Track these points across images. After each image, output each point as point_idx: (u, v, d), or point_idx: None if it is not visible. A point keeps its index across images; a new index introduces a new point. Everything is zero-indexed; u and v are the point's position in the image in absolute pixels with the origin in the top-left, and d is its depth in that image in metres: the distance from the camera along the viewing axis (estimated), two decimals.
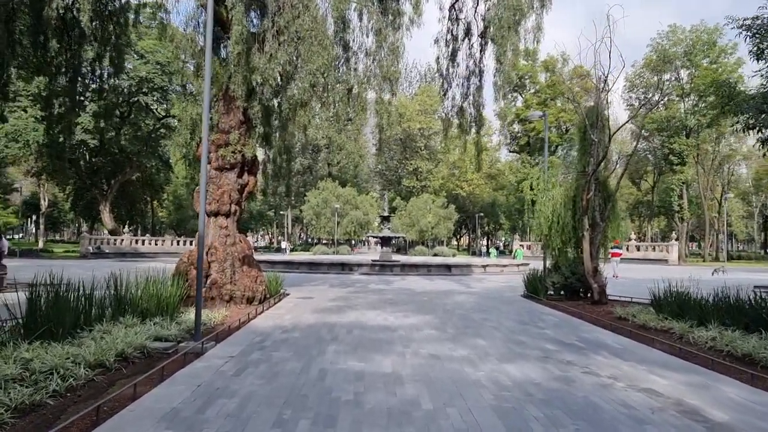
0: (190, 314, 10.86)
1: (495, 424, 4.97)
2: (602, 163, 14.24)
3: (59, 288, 8.60)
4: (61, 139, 29.37)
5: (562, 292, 15.59)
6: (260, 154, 22.08)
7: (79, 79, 19.55)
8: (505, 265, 33.57)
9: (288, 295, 16.50)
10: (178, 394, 5.80)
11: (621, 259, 33.81)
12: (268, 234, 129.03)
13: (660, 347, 8.87)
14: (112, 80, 21.91)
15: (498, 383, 6.43)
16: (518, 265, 34.94)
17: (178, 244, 56.77)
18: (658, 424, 5.10)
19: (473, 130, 19.28)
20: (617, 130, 17.80)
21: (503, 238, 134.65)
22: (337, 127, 17.27)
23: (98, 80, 20.56)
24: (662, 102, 52.97)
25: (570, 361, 7.73)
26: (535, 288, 16.03)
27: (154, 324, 9.42)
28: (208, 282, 13.62)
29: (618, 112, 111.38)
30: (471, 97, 19.29)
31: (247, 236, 78.07)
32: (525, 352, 8.33)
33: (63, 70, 18.23)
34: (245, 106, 14.32)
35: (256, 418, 5.04)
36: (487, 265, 32.55)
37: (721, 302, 10.43)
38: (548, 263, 16.82)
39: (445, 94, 19.59)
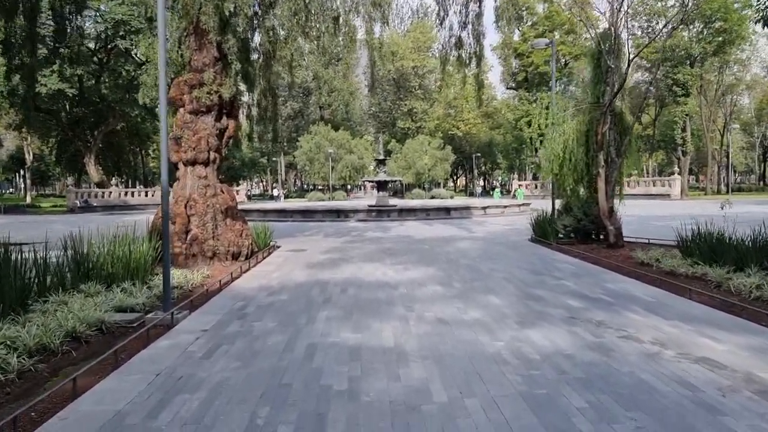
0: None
1: (531, 425, 3.84)
2: (619, 93, 12.79)
3: (6, 251, 7.38)
4: (21, 89, 27.37)
5: (572, 236, 14.44)
6: (245, 98, 20.53)
7: (39, 18, 17.72)
8: (505, 206, 32.46)
9: (278, 248, 15.35)
10: (129, 388, 4.65)
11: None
12: (262, 181, 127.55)
13: (698, 299, 7.75)
14: (77, 20, 20.07)
15: (523, 357, 5.30)
16: (519, 206, 33.87)
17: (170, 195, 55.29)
18: (737, 414, 3.98)
19: (473, 63, 17.68)
20: (636, 54, 16.22)
21: (500, 178, 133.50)
22: (323, 61, 15.60)
23: (60, 20, 18.72)
24: (666, 30, 50.42)
25: (602, 322, 6.61)
26: (544, 231, 14.89)
27: (121, 291, 8.25)
28: (188, 238, 12.42)
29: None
30: (470, 26, 17.57)
31: (239, 185, 77.52)
32: (547, 311, 7.21)
33: (20, 8, 16.41)
34: (219, 40, 12.75)
35: (222, 425, 3.90)
36: (488, 207, 31.43)
37: (759, 242, 9.29)
38: (558, 204, 15.61)
39: (441, 23, 17.82)
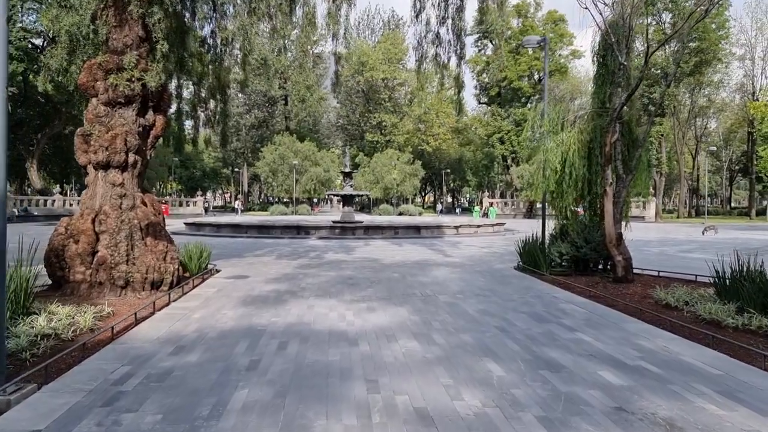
0: (53, 313, 7.03)
1: None
2: (631, 97, 10.64)
3: None
4: None
5: (569, 265, 12.17)
6: (186, 92, 18.12)
7: None
8: (479, 226, 30.30)
9: (217, 272, 12.71)
10: None
11: None
12: (225, 193, 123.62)
13: None
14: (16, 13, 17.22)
15: None
16: (493, 225, 31.76)
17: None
18: None
19: (452, 62, 15.50)
20: (658, 48, 14.18)
21: (468, 195, 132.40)
22: (272, 45, 13.12)
23: None
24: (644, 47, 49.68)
25: (671, 421, 4.24)
26: (534, 260, 12.59)
27: None
28: (95, 261, 9.71)
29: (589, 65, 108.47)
30: (450, 21, 15.45)
31: (202, 195, 74.07)
32: (577, 395, 4.80)
33: None
34: (143, 13, 10.18)
35: None
36: (460, 226, 29.21)
37: None
38: (550, 227, 13.37)
39: (417, 16, 15.61)
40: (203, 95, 17.55)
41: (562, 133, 11.58)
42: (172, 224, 38.02)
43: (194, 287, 10.65)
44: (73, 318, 7.40)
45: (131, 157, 10.52)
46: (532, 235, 13.77)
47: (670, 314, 8.06)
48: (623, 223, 11.32)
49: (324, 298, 9.37)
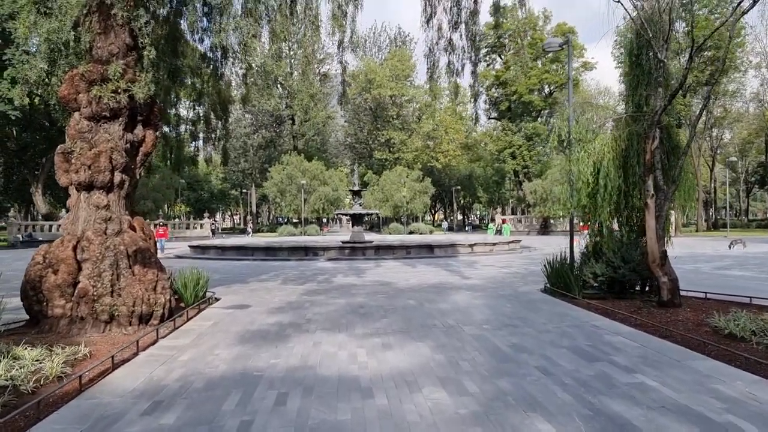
0: (17, 357, 5.97)
1: None
2: (673, 100, 9.51)
3: None
4: None
5: (604, 287, 10.94)
6: (183, 110, 17.40)
7: None
8: (494, 244, 29.05)
9: (217, 301, 11.61)
10: None
11: None
12: (234, 214, 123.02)
13: None
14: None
15: None
16: (508, 243, 30.50)
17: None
18: None
19: (467, 70, 14.54)
20: (703, 43, 13.04)
21: (478, 212, 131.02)
22: (272, 51, 12.17)
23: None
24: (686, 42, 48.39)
25: None
26: (564, 281, 11.38)
27: None
28: (75, 294, 8.66)
29: (606, 73, 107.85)
30: (463, 26, 14.49)
31: (210, 217, 73.74)
32: None
33: None
34: (128, 17, 9.23)
35: None
36: (475, 244, 28.00)
37: None
38: (580, 245, 12.18)
39: (427, 22, 14.64)
40: (204, 112, 16.71)
41: (595, 141, 10.43)
42: (177, 247, 37.20)
43: (188, 320, 9.53)
44: (40, 363, 6.33)
45: (117, 177, 9.50)
46: (560, 253, 12.57)
47: (738, 347, 6.84)
48: (665, 240, 10.12)
49: (332, 332, 8.22)
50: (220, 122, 17.07)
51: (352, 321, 9.14)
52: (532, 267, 18.96)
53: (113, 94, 9.28)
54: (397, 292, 12.80)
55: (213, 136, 17.08)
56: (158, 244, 29.68)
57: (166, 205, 67.09)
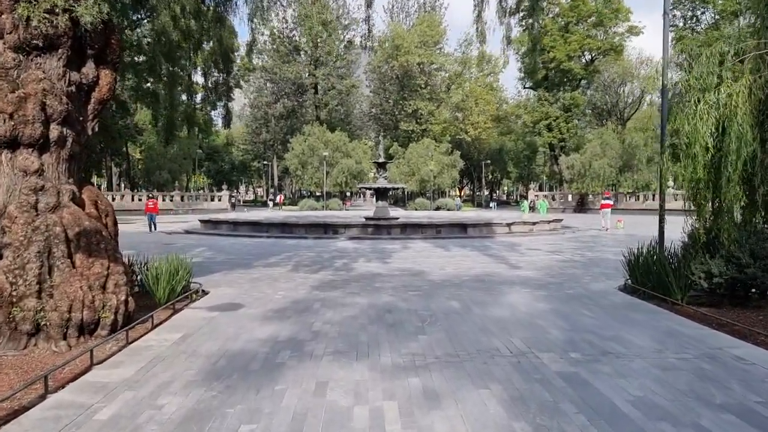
0: None
1: None
2: None
3: None
4: None
5: (717, 290, 8.05)
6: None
7: None
8: (534, 223, 26.08)
9: (203, 296, 9.05)
10: None
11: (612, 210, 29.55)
12: (258, 187, 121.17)
13: None
14: None
15: None
16: (549, 222, 27.48)
17: (140, 200, 49.27)
18: None
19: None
20: None
21: (505, 188, 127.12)
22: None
23: None
24: (711, 22, 44.18)
25: None
26: (657, 279, 8.52)
27: None
28: None
29: (651, 41, 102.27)
30: None
31: (233, 189, 72.69)
32: None
33: None
34: None
35: None
36: (513, 224, 25.09)
37: None
38: (683, 228, 9.22)
39: None
40: (203, 64, 14.13)
41: (719, 90, 7.42)
42: (188, 220, 34.84)
43: (152, 328, 6.97)
44: None
45: (55, 131, 6.88)
46: (651, 240, 9.68)
47: None
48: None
49: (347, 361, 5.55)
50: (222, 75, 14.38)
51: (376, 337, 6.46)
52: (587, 253, 16.09)
53: (48, 16, 6.59)
54: (432, 286, 10.07)
55: (213, 93, 14.41)
56: (149, 219, 26.05)
57: (185, 177, 65.16)
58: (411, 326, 6.99)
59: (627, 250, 9.79)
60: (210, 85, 14.15)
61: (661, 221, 10.01)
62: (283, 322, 7.23)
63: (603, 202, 30.02)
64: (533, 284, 10.28)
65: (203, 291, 9.46)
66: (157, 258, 8.96)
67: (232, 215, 33.75)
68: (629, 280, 9.63)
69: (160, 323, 7.24)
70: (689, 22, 46.89)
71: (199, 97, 15.08)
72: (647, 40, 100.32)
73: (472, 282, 10.55)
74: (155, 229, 25.70)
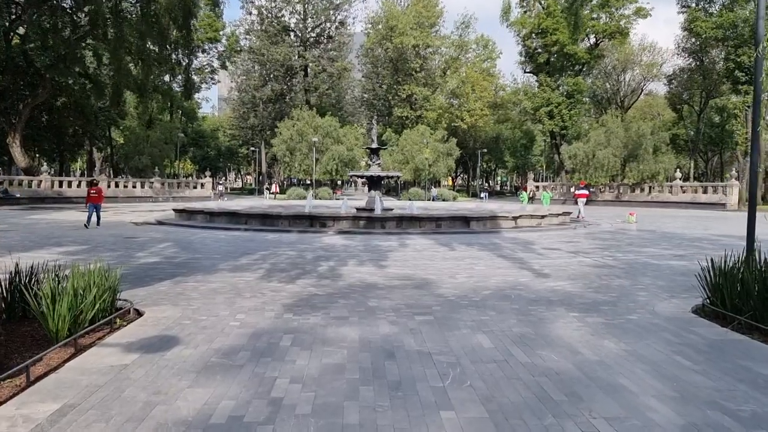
0: None
1: None
2: None
3: None
4: None
5: None
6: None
7: None
8: (542, 216, 23.69)
9: (131, 321, 6.51)
10: None
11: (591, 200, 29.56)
12: (246, 174, 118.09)
13: None
14: None
15: None
16: (557, 215, 25.09)
17: (117, 186, 46.42)
18: None
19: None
20: None
21: (499, 179, 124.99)
22: None
23: None
24: (727, 2, 41.78)
25: None
26: (761, 301, 6.09)
27: None
28: None
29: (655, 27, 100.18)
30: None
31: (218, 176, 69.86)
32: None
33: None
34: None
35: None
36: (519, 217, 22.71)
37: None
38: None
39: None
40: (155, 18, 11.50)
41: None
42: (166, 208, 32.14)
43: (24, 388, 4.42)
44: None
45: None
46: (737, 251, 7.24)
47: None
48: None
49: None
50: (182, 33, 11.72)
51: (372, 416, 3.94)
52: (618, 254, 13.70)
53: None
54: (445, 306, 7.57)
55: (171, 56, 11.76)
56: (91, 211, 20.07)
57: (168, 163, 62.13)
58: (426, 389, 4.50)
59: (673, 254, 7.34)
60: (169, 47, 11.49)
61: (751, 228, 7.55)
62: (230, 378, 4.70)
63: (578, 192, 30.69)
64: (578, 304, 7.80)
65: (136, 311, 6.93)
66: (89, 261, 6.43)
67: (211, 204, 31.15)
68: (708, 300, 7.21)
69: (44, 375, 4.71)
70: (702, 2, 44.52)
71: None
72: (651, 27, 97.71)
73: (496, 299, 8.06)
74: (98, 223, 20.25)
